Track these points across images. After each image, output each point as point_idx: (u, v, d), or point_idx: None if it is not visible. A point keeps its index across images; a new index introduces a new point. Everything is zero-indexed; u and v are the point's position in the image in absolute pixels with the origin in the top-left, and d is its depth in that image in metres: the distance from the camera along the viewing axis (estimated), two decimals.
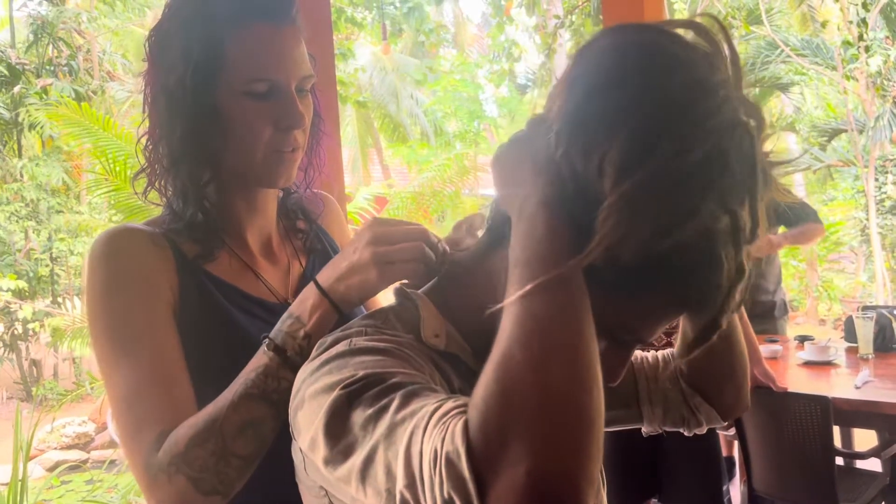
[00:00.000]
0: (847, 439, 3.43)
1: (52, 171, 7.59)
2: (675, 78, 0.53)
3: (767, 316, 3.69)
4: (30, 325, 7.71)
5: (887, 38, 7.84)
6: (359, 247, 0.78)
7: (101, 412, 6.30)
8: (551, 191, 0.54)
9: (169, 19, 0.87)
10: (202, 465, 0.76)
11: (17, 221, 8.01)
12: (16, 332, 7.89)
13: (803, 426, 2.43)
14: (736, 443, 2.90)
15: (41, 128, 7.07)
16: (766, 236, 0.57)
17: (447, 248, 0.77)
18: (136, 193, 0.96)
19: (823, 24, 8.45)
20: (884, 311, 3.15)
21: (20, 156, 8.15)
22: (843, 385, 2.78)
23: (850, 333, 3.24)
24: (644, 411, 0.87)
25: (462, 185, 6.17)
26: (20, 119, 7.70)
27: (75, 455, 5.97)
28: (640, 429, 0.90)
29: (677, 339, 0.85)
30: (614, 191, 0.51)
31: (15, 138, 8.15)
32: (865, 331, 3.01)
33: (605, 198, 0.52)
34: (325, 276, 0.81)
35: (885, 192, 8.85)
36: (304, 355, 0.76)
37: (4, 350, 8.00)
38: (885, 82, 7.73)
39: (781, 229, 3.40)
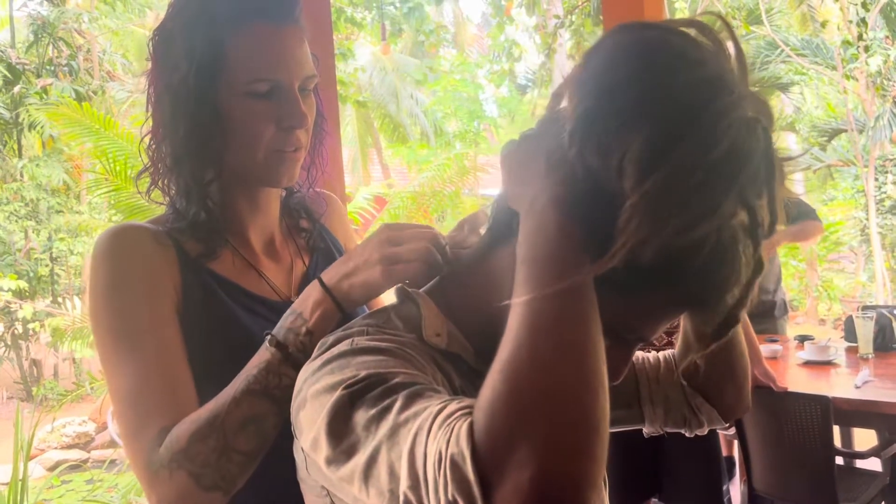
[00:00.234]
0: (847, 439, 3.44)
1: (52, 172, 7.59)
2: (689, 75, 0.53)
3: (767, 316, 3.69)
4: (30, 325, 7.70)
5: (887, 37, 7.84)
6: (368, 248, 0.79)
7: (101, 412, 6.30)
8: (563, 189, 0.54)
9: (172, 19, 0.88)
10: (204, 461, 0.76)
11: (16, 221, 8.01)
12: (16, 331, 7.89)
13: (803, 426, 2.43)
14: (736, 442, 2.90)
15: (41, 128, 7.07)
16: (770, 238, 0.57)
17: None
18: (139, 192, 0.96)
19: (823, 24, 8.45)
20: (884, 311, 3.15)
21: (20, 156, 8.15)
22: (843, 385, 2.79)
23: (850, 333, 3.25)
24: (645, 412, 0.87)
25: (462, 185, 6.17)
26: (20, 119, 7.70)
27: (75, 455, 5.97)
28: (641, 429, 0.90)
29: (678, 339, 0.85)
30: (636, 190, 0.50)
31: (15, 138, 8.15)
32: (865, 330, 3.02)
33: (622, 197, 0.51)
34: (330, 274, 0.81)
35: (885, 192, 8.85)
36: (305, 352, 0.76)
37: (5, 350, 8.00)
38: (885, 82, 7.73)
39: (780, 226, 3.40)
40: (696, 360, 0.70)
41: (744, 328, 0.84)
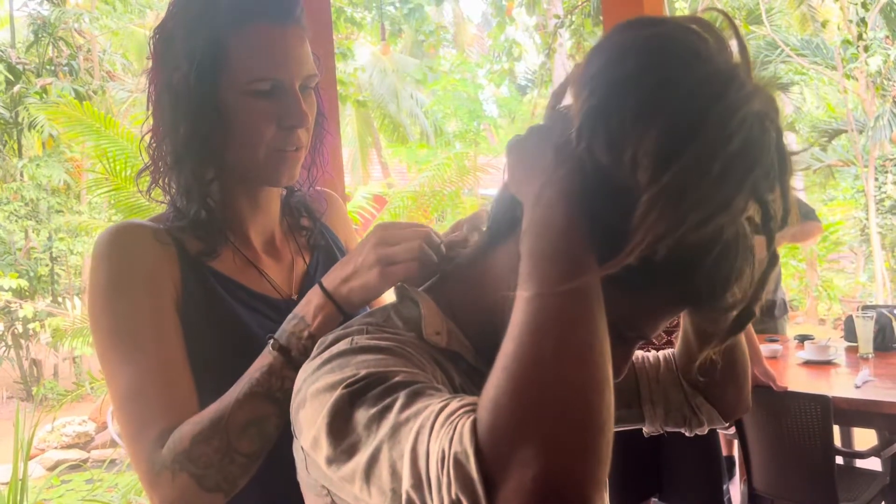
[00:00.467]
0: (847, 438, 3.44)
1: (52, 171, 7.59)
2: (701, 69, 0.53)
3: (767, 315, 3.69)
4: (30, 325, 7.70)
5: (887, 37, 7.84)
6: (364, 250, 0.79)
7: (101, 412, 6.30)
8: (571, 183, 0.54)
9: (173, 18, 0.88)
10: (206, 463, 0.76)
11: (16, 221, 8.01)
12: (16, 331, 7.89)
13: (803, 425, 2.43)
14: (736, 442, 2.91)
15: (41, 127, 7.07)
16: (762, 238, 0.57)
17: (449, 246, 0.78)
18: (139, 191, 0.96)
19: (824, 24, 8.45)
20: (884, 311, 3.15)
21: (20, 155, 8.15)
22: (842, 384, 2.79)
23: (849, 333, 3.25)
24: (646, 411, 0.87)
25: (462, 185, 6.16)
26: (20, 119, 7.70)
27: (75, 454, 5.97)
28: (642, 429, 0.90)
29: (678, 339, 0.85)
30: (653, 184, 0.50)
31: (15, 138, 8.15)
32: (865, 330, 3.02)
33: (634, 192, 0.51)
34: (330, 278, 0.81)
35: (885, 192, 8.85)
36: (308, 356, 0.76)
37: (5, 350, 8.00)
38: (885, 82, 7.73)
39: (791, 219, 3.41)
40: (712, 356, 0.69)
41: None
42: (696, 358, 0.80)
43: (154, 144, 0.91)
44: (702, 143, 0.50)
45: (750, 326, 0.59)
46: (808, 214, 3.62)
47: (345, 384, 0.56)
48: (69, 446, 6.19)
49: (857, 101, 8.66)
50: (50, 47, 8.05)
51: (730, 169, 0.50)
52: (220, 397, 0.80)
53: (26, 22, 8.36)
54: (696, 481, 2.44)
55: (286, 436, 0.70)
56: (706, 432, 0.89)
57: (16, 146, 8.23)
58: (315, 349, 0.66)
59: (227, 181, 0.92)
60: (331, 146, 1.05)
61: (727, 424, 0.89)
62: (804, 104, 10.92)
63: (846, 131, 8.93)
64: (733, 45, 0.56)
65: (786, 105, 10.55)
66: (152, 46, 0.90)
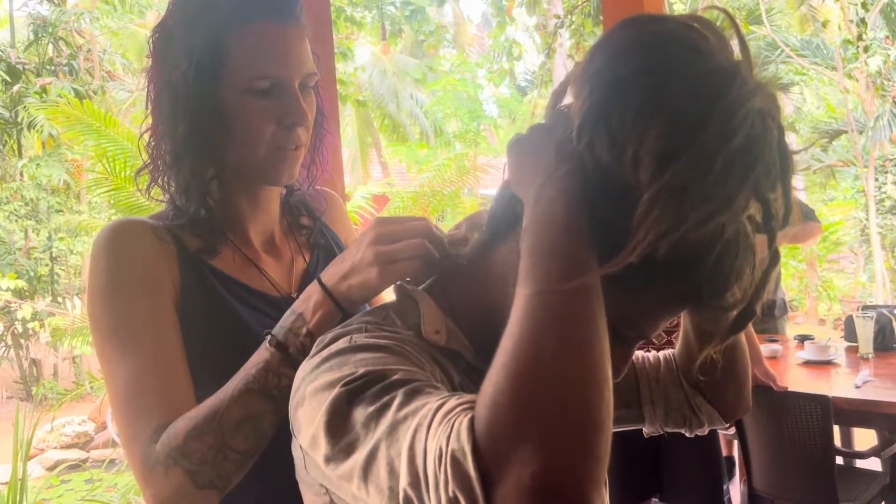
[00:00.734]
0: (847, 439, 3.44)
1: (52, 171, 7.59)
2: (702, 66, 0.52)
3: (767, 315, 3.69)
4: (30, 325, 7.70)
5: (887, 37, 7.84)
6: (362, 246, 0.78)
7: (100, 411, 6.30)
8: (572, 181, 0.53)
9: (173, 16, 0.88)
10: (200, 459, 0.76)
11: (16, 221, 8.01)
12: (16, 331, 7.89)
13: (803, 425, 2.43)
14: (736, 442, 2.90)
15: (41, 127, 7.07)
16: (763, 237, 0.57)
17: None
18: (138, 190, 0.96)
19: (824, 24, 8.45)
20: (883, 311, 3.16)
21: (20, 155, 8.15)
22: (842, 384, 2.79)
23: (849, 333, 3.25)
24: (646, 411, 0.87)
25: (462, 185, 6.16)
26: (19, 118, 7.70)
27: (75, 454, 5.96)
28: (642, 429, 0.90)
29: (678, 338, 0.85)
30: (655, 182, 0.50)
31: (14, 138, 8.15)
32: (865, 330, 3.02)
33: (636, 191, 0.51)
34: (329, 274, 0.81)
35: (885, 192, 8.85)
36: (305, 353, 0.76)
37: (5, 350, 8.00)
38: (885, 82, 7.73)
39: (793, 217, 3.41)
40: (713, 355, 0.69)
41: None
42: (696, 357, 0.80)
43: (153, 143, 0.91)
44: (704, 140, 0.50)
45: (750, 326, 0.59)
46: (807, 215, 3.63)
47: (343, 382, 0.56)
48: (69, 446, 6.19)
49: (858, 102, 8.66)
50: (50, 47, 8.05)
51: (732, 167, 0.50)
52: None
53: (26, 22, 8.37)
54: (696, 481, 2.44)
55: (285, 435, 0.70)
56: (706, 433, 0.89)
57: (15, 146, 8.23)
58: (314, 347, 0.66)
59: (227, 179, 0.92)
60: (330, 146, 1.04)
61: (727, 425, 0.89)
62: (804, 104, 10.92)
63: (846, 132, 8.93)
64: (734, 43, 0.56)
65: (786, 105, 10.55)
66: (152, 44, 0.89)
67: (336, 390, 0.56)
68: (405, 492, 0.48)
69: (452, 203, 6.50)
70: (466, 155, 6.89)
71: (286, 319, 0.81)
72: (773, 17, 9.25)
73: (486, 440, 0.43)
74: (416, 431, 0.49)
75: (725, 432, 3.05)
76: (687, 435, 0.88)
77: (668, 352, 0.89)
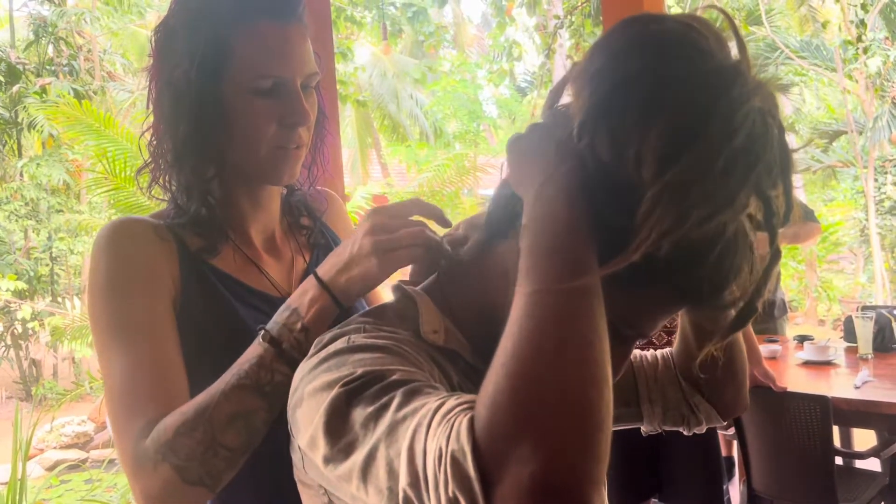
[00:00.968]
0: (846, 439, 3.44)
1: (52, 171, 7.59)
2: (703, 65, 0.52)
3: (767, 315, 3.69)
4: (29, 325, 7.70)
5: (887, 38, 7.84)
6: (358, 237, 0.77)
7: (100, 412, 6.30)
8: (573, 178, 0.53)
9: (175, 15, 0.88)
10: (189, 454, 0.75)
11: (16, 221, 8.01)
12: (15, 331, 7.88)
13: (803, 426, 2.43)
14: (735, 443, 2.90)
15: (41, 127, 7.07)
16: (763, 235, 0.57)
17: (450, 224, 0.77)
18: (139, 188, 0.96)
19: (824, 25, 8.45)
20: (883, 311, 3.16)
21: (20, 155, 8.15)
22: (842, 385, 2.78)
23: (849, 333, 3.25)
24: (644, 410, 0.87)
25: (461, 186, 6.17)
26: (19, 118, 7.70)
27: (74, 454, 5.96)
28: (640, 429, 0.90)
29: (677, 337, 0.85)
30: (658, 180, 0.50)
31: (14, 138, 8.15)
32: (865, 331, 3.02)
33: (638, 189, 0.51)
34: (326, 268, 0.80)
35: (885, 193, 8.85)
36: (300, 349, 0.76)
37: (4, 350, 8.00)
38: (885, 83, 7.73)
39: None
40: (714, 353, 0.69)
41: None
42: (695, 356, 0.81)
43: (154, 142, 0.91)
44: (707, 138, 0.50)
45: (749, 327, 0.59)
46: (807, 215, 3.63)
47: (342, 383, 0.56)
48: (68, 446, 6.18)
49: (857, 102, 8.66)
50: (50, 47, 8.05)
51: (734, 164, 0.50)
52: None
53: (26, 22, 8.37)
54: (695, 482, 2.44)
55: (283, 435, 0.69)
56: (704, 431, 0.89)
57: (15, 146, 8.23)
58: (312, 348, 0.65)
59: (228, 179, 0.92)
60: (330, 146, 1.05)
61: (725, 423, 0.89)
62: (804, 105, 10.93)
63: (846, 132, 8.93)
64: (732, 45, 0.56)
65: (786, 106, 10.56)
66: (154, 43, 0.89)
67: (335, 391, 0.56)
68: (405, 492, 0.48)
69: (452, 203, 6.51)
70: (466, 155, 6.90)
71: (280, 315, 0.80)
72: (773, 17, 9.25)
73: (486, 440, 0.43)
74: (415, 431, 0.49)
75: (725, 433, 3.05)
76: (685, 433, 0.89)
77: (665, 351, 0.89)
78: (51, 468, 5.52)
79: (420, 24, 7.96)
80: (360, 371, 0.56)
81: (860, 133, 8.42)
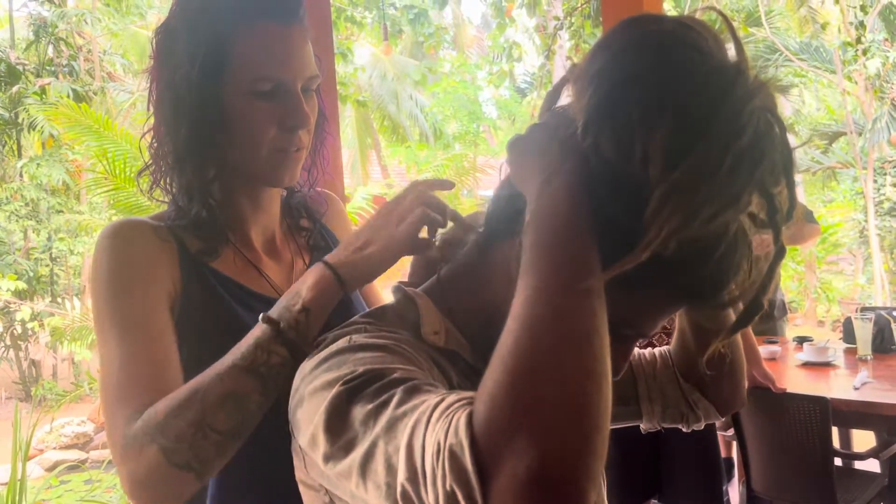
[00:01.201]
0: (846, 440, 3.44)
1: (52, 171, 7.59)
2: (707, 64, 0.53)
3: (766, 317, 3.70)
4: (29, 326, 7.70)
5: (886, 40, 7.84)
6: (365, 229, 0.80)
7: (99, 412, 6.29)
8: (576, 177, 0.53)
9: (176, 17, 0.88)
10: (178, 436, 0.73)
11: (16, 221, 8.01)
12: (15, 332, 7.88)
13: (802, 427, 2.44)
14: (735, 444, 2.91)
15: (41, 127, 7.07)
16: (762, 236, 0.58)
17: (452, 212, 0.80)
18: (140, 190, 0.96)
19: (824, 26, 8.45)
20: (882, 313, 3.16)
21: (20, 156, 8.15)
22: (841, 386, 2.79)
23: (848, 335, 3.25)
24: (643, 408, 0.87)
25: (461, 186, 6.17)
26: (19, 119, 7.70)
27: (74, 455, 5.95)
28: (640, 428, 0.90)
29: (675, 335, 0.86)
30: (665, 179, 0.50)
31: (14, 138, 8.15)
32: (864, 332, 3.02)
33: (644, 189, 0.51)
34: (338, 249, 0.82)
35: (884, 194, 8.85)
36: (298, 329, 0.75)
37: (4, 350, 7.99)
38: (884, 84, 7.74)
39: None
40: (693, 356, 0.69)
41: None
42: (694, 354, 0.81)
43: (155, 144, 0.91)
44: (713, 137, 0.50)
45: (748, 327, 0.59)
46: (806, 216, 3.63)
47: (342, 381, 0.56)
48: (68, 447, 6.18)
49: (857, 104, 8.67)
50: (50, 48, 8.05)
51: (740, 163, 0.50)
52: None
53: (26, 22, 8.37)
54: (695, 483, 2.44)
55: (283, 435, 0.69)
56: (704, 431, 0.90)
57: (15, 146, 8.23)
58: (313, 349, 0.66)
59: (229, 181, 0.92)
60: (330, 147, 1.05)
61: (723, 419, 0.90)
62: (803, 106, 10.94)
63: (845, 133, 8.93)
64: (729, 46, 0.57)
65: (785, 107, 10.56)
66: (154, 45, 0.89)
67: (335, 389, 0.56)
68: (403, 486, 0.48)
69: (452, 204, 6.48)
70: (466, 156, 6.90)
71: (282, 299, 0.80)
72: (773, 19, 9.26)
73: (484, 434, 0.43)
74: (414, 427, 0.49)
75: (725, 434, 3.05)
76: (684, 430, 0.89)
77: (663, 349, 0.90)
78: (50, 469, 5.52)
79: (420, 26, 7.97)
80: (360, 369, 0.57)
81: (859, 134, 8.43)
